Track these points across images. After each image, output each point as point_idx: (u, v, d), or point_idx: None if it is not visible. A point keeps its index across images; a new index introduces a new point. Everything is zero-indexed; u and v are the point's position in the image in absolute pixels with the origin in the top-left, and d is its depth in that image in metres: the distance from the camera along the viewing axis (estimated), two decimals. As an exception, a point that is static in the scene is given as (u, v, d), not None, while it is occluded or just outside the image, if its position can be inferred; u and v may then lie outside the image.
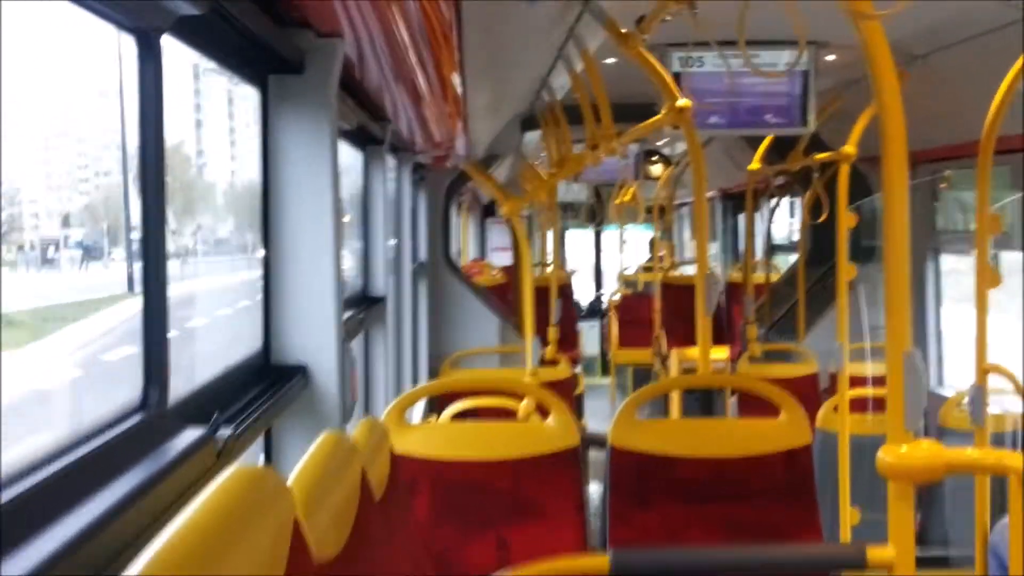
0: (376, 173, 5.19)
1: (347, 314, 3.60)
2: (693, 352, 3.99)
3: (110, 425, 1.79)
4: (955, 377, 6.66)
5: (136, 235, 2.04)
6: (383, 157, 5.11)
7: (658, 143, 9.71)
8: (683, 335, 5.97)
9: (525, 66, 5.81)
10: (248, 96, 2.92)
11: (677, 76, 5.20)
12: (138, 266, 2.00)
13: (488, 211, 15.29)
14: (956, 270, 6.85)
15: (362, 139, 4.86)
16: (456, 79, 4.73)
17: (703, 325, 3.57)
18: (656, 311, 8.27)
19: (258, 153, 2.91)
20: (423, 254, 7.22)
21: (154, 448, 1.83)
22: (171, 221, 2.10)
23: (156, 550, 0.98)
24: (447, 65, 3.85)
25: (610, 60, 5.79)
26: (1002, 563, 3.27)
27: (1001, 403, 4.80)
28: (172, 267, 2.06)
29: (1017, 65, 3.22)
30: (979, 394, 3.31)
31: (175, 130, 1.99)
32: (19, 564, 1.23)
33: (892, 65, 1.93)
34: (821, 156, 5.67)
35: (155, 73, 1.94)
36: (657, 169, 9.88)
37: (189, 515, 1.09)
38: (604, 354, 11.57)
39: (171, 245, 2.08)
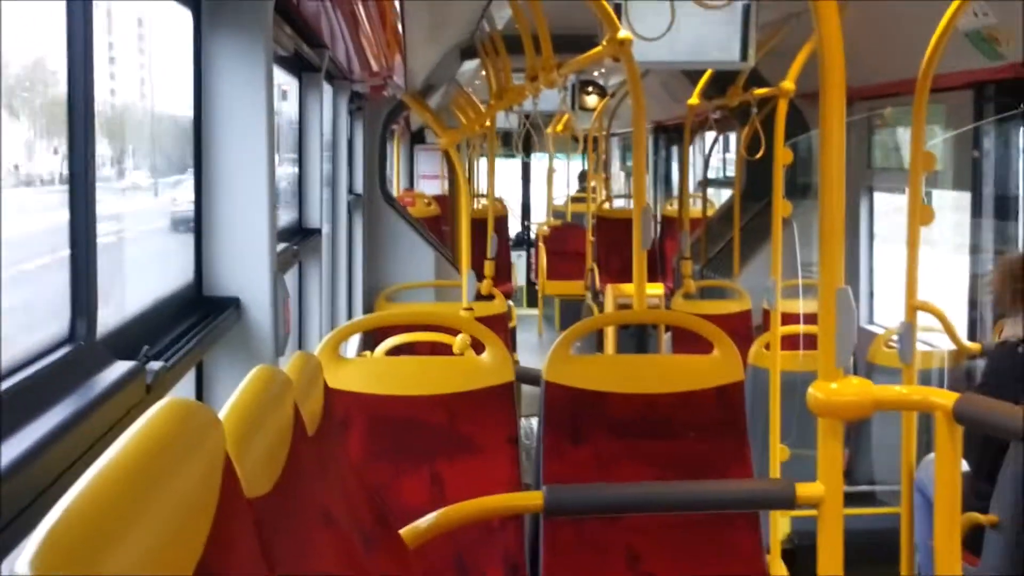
0: (312, 102, 5.11)
1: (281, 246, 3.56)
2: (628, 288, 4.00)
3: (35, 358, 1.75)
4: (885, 315, 6.76)
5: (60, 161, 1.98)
6: (320, 85, 5.03)
7: (594, 74, 9.66)
8: (616, 270, 6.02)
9: (465, -6, 5.75)
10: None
11: (618, 8, 5.16)
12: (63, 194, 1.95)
13: (417, 138, 15.11)
14: (897, 209, 6.93)
15: (298, 66, 4.77)
16: (395, 6, 4.65)
17: (639, 260, 3.57)
18: (588, 244, 8.27)
19: (191, 78, 2.85)
20: (359, 186, 7.15)
21: (81, 381, 1.79)
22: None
23: (82, 485, 0.95)
24: (386, -8, 3.78)
25: (552, -11, 5.73)
26: (927, 499, 3.34)
27: (929, 341, 4.90)
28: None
29: (956, 2, 3.22)
30: (908, 331, 3.35)
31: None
32: (-61, 500, 1.20)
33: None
34: (760, 91, 5.67)
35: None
36: (592, 100, 9.84)
37: (117, 449, 1.06)
38: (531, 285, 11.58)
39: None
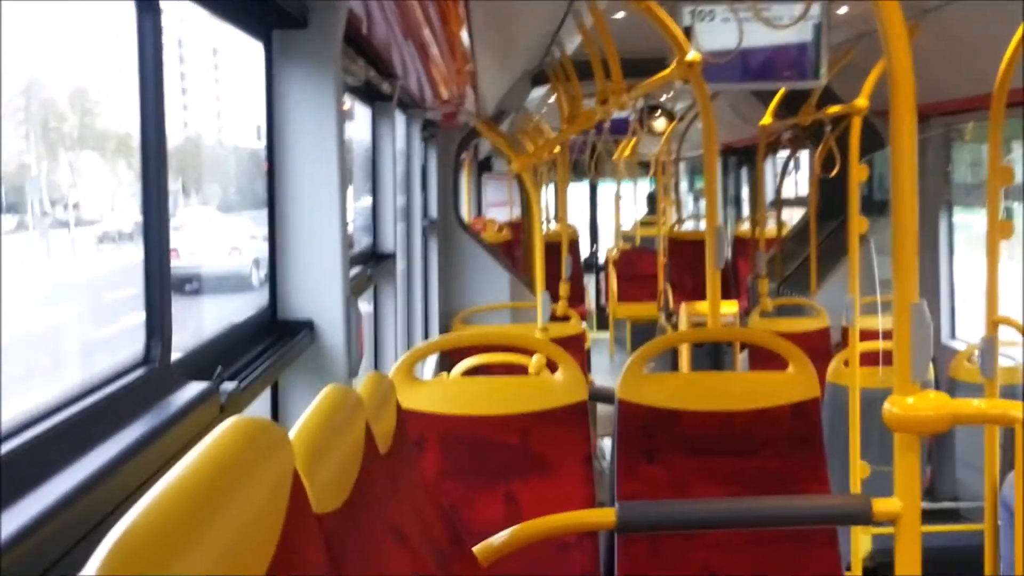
0: (385, 130, 5.17)
1: (355, 270, 3.60)
2: (702, 306, 3.97)
3: (112, 379, 1.79)
4: (967, 331, 6.64)
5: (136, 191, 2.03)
6: (392, 114, 5.09)
7: (661, 98, 9.65)
8: (689, 290, 6.00)
9: (533, 21, 5.77)
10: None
11: (687, 30, 5.15)
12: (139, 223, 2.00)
13: (484, 166, 15.17)
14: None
15: (371, 96, 4.84)
16: (464, 35, 4.69)
17: (712, 278, 3.55)
18: (660, 265, 8.25)
19: (264, 110, 2.90)
20: (433, 211, 7.21)
21: (156, 402, 1.83)
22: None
23: (150, 499, 0.97)
24: (454, 21, 3.82)
25: (619, 14, 5.75)
26: (1012, 515, 3.27)
27: (1013, 356, 4.80)
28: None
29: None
30: (989, 346, 3.29)
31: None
32: (19, 515, 1.23)
33: (901, 17, 1.91)
34: (833, 109, 5.63)
35: (154, 32, 1.93)
36: (660, 124, 9.82)
37: (184, 465, 1.08)
38: (600, 309, 11.55)
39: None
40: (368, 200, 4.97)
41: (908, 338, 1.94)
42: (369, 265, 4.26)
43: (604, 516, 2.07)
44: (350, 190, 4.44)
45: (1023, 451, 1.93)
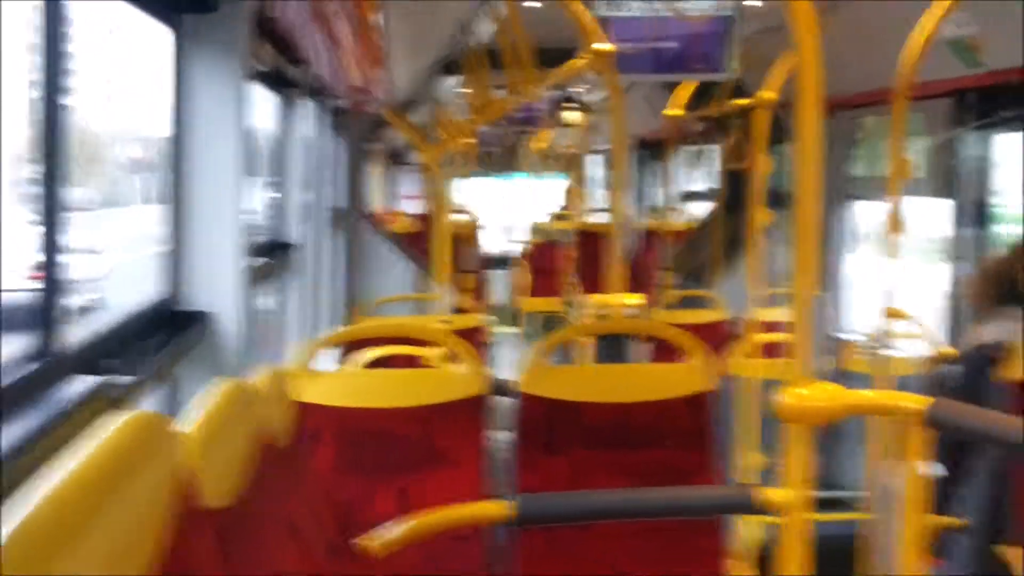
0: (293, 118, 5.11)
1: (257, 261, 3.55)
2: (606, 299, 4.00)
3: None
4: (860, 322, 6.76)
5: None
6: (300, 102, 5.04)
7: (578, 89, 9.68)
8: (597, 282, 6.00)
9: (446, 9, 5.75)
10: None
11: (602, 21, 5.17)
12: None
13: (396, 158, 15.10)
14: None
15: (279, 83, 4.78)
16: (375, 22, 4.66)
17: (616, 271, 3.57)
18: (569, 258, 8.29)
19: (171, 97, 2.86)
20: (340, 201, 7.15)
21: (42, 397, 1.79)
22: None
23: (38, 496, 0.96)
24: (366, 7, 3.79)
25: (534, 4, 5.75)
26: (894, 504, 3.34)
27: (903, 347, 4.90)
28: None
29: (931, 10, 3.24)
30: (882, 337, 3.36)
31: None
32: None
33: (811, 10, 1.93)
34: (740, 102, 5.69)
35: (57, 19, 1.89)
36: (573, 116, 9.85)
37: (73, 460, 1.07)
38: (512, 303, 11.57)
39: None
40: (271, 187, 4.91)
41: (805, 330, 1.96)
42: (272, 256, 4.21)
43: (502, 509, 2.07)
44: (256, 180, 4.39)
45: (914, 444, 1.96)
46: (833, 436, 5.22)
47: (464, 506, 2.12)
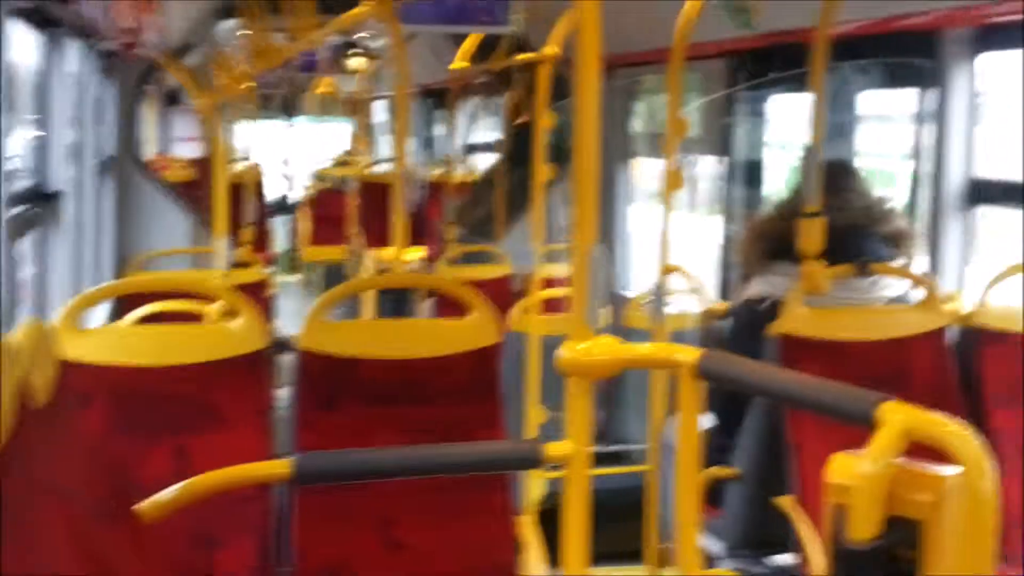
0: (56, 59, 4.84)
1: (15, 211, 3.35)
2: (388, 252, 3.95)
3: None
4: (641, 278, 6.94)
5: None
6: (65, 42, 4.77)
7: (363, 35, 9.53)
8: (381, 234, 5.97)
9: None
10: None
11: (386, -32, 5.07)
12: None
13: (171, 99, 14.56)
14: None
15: (42, 21, 4.51)
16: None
17: (399, 224, 3.53)
18: (352, 208, 8.20)
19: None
20: (109, 150, 6.84)
21: None
22: None
23: None
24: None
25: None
26: (673, 456, 3.44)
27: (681, 302, 5.04)
28: None
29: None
30: (659, 293, 3.43)
31: None
32: None
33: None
34: (523, 56, 5.69)
35: None
36: (358, 62, 9.69)
37: None
38: (294, 250, 11.38)
39: None
40: (31, 132, 4.64)
41: (585, 285, 1.97)
42: (33, 205, 3.98)
43: (279, 468, 2.01)
44: (16, 121, 4.13)
45: (687, 395, 2.00)
46: (619, 391, 5.35)
47: (241, 467, 2.05)
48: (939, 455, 1.41)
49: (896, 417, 1.45)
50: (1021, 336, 3.50)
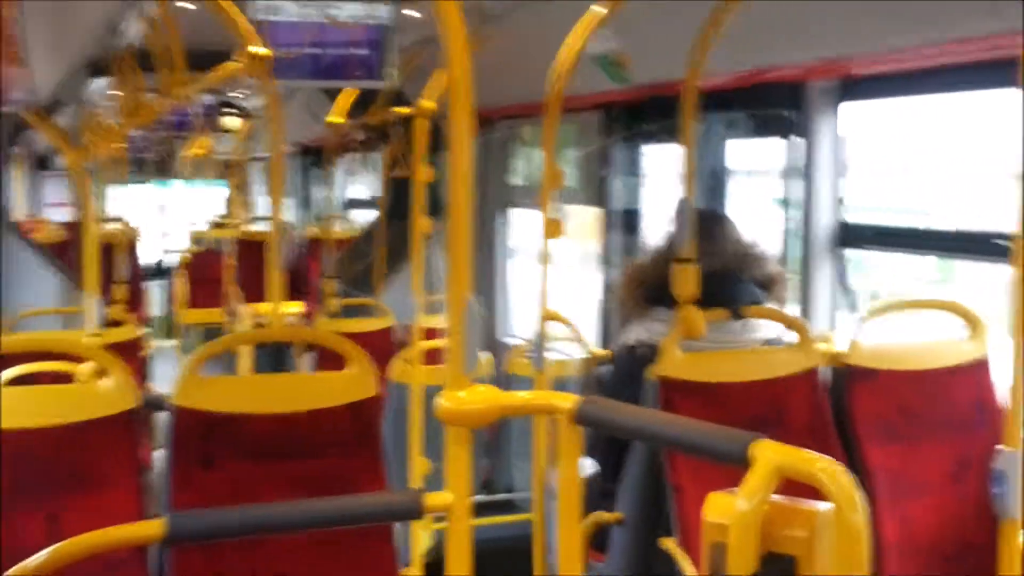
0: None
1: None
2: (265, 307, 3.90)
3: None
4: (523, 326, 6.98)
5: None
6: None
7: (237, 94, 9.47)
8: (258, 292, 5.92)
9: (92, 6, 5.47)
10: None
11: (258, 24, 5.05)
12: None
13: (42, 163, 14.26)
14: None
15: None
16: (11, 14, 4.35)
17: (275, 279, 3.49)
18: (228, 268, 8.12)
19: None
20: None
21: None
22: None
23: None
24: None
25: (189, 5, 5.56)
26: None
27: (563, 350, 5.08)
28: None
29: (578, 27, 3.36)
30: (540, 341, 3.45)
31: None
32: None
33: (460, 21, 1.94)
34: (400, 110, 5.73)
35: None
36: (233, 122, 9.61)
37: None
38: (171, 314, 11.20)
39: None
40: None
41: (460, 334, 1.98)
42: None
43: (151, 528, 1.96)
44: None
45: (567, 442, 2.01)
46: (504, 440, 5.36)
47: (111, 529, 1.99)
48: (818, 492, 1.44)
49: (768, 455, 1.48)
50: (891, 374, 3.60)
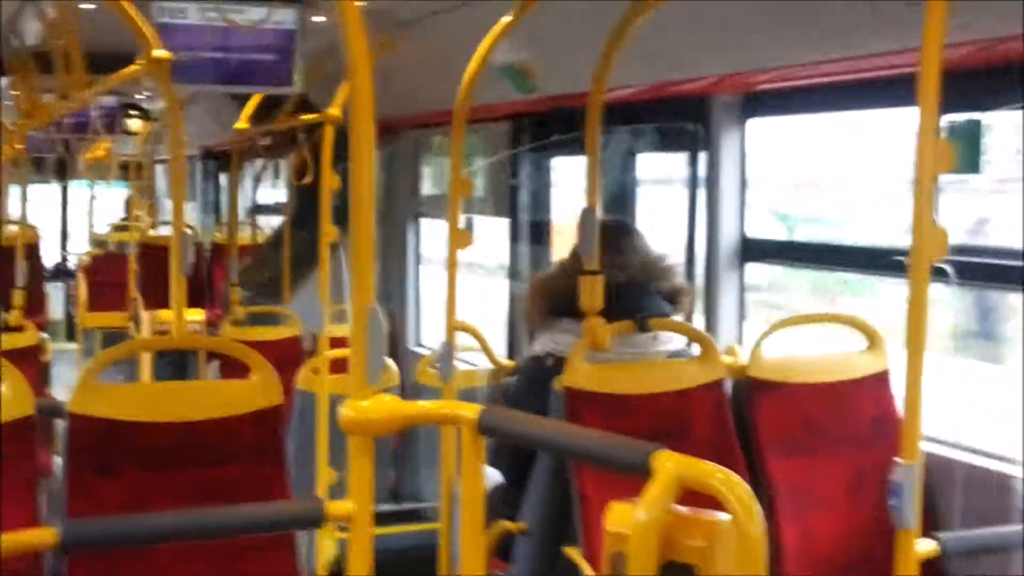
0: None
1: None
2: (167, 314, 3.83)
3: None
4: (434, 337, 6.97)
5: None
6: None
7: (141, 96, 9.31)
8: (161, 298, 5.84)
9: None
10: None
11: (160, 27, 4.97)
12: None
13: None
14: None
15: None
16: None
17: (177, 285, 3.43)
18: (131, 272, 7.99)
19: None
20: None
21: None
22: None
23: None
24: None
25: (88, 6, 5.45)
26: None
27: (471, 360, 5.08)
28: None
29: (488, 35, 3.36)
30: (447, 351, 3.44)
31: None
32: None
33: (363, 29, 1.94)
34: (307, 117, 5.68)
35: None
36: (135, 124, 9.45)
37: None
38: (71, 318, 10.96)
39: None
40: None
41: (364, 342, 1.97)
42: None
43: (43, 536, 1.92)
44: None
45: (470, 451, 2.01)
46: (412, 450, 5.34)
47: (4, 536, 1.95)
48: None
49: (668, 466, 1.49)
50: (793, 386, 3.66)
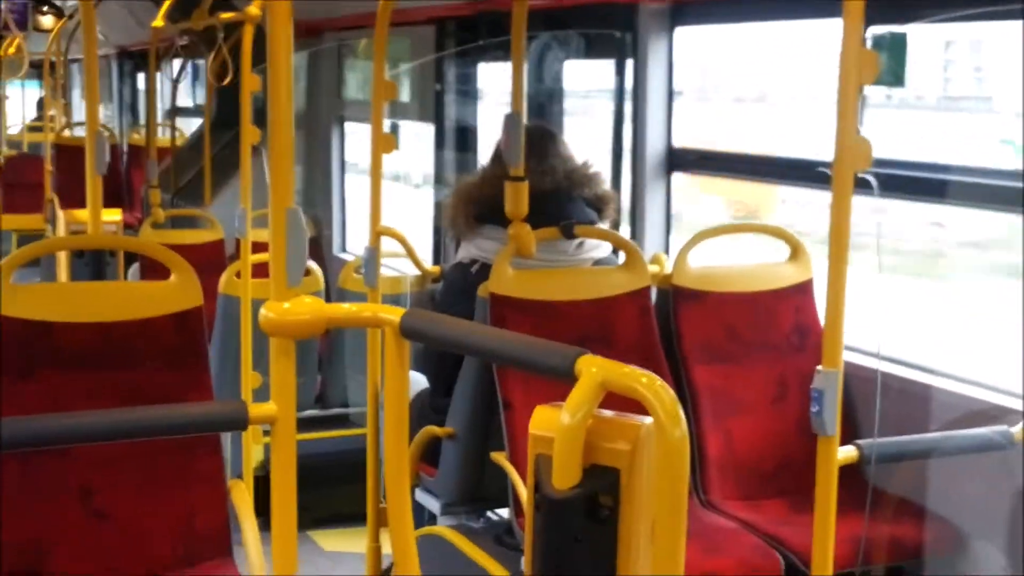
0: None
1: None
2: (83, 214, 3.74)
3: None
4: (359, 244, 6.92)
5: None
6: None
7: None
8: (78, 200, 5.72)
9: None
10: None
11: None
12: None
13: None
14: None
15: None
16: None
17: (93, 185, 3.34)
18: (47, 173, 7.80)
19: None
20: None
21: None
22: None
23: None
24: None
25: None
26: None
27: (397, 266, 5.05)
28: None
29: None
30: (372, 256, 3.41)
31: None
32: None
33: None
34: (226, 16, 5.52)
35: None
36: (47, 20, 9.16)
37: None
38: None
39: None
40: None
41: (284, 244, 1.93)
42: None
43: (-43, 442, 1.88)
44: None
45: (393, 355, 1.99)
46: (338, 354, 5.32)
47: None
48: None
49: (593, 370, 1.49)
50: (716, 295, 3.69)
